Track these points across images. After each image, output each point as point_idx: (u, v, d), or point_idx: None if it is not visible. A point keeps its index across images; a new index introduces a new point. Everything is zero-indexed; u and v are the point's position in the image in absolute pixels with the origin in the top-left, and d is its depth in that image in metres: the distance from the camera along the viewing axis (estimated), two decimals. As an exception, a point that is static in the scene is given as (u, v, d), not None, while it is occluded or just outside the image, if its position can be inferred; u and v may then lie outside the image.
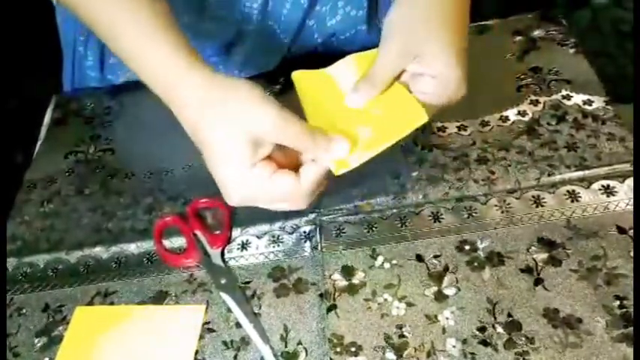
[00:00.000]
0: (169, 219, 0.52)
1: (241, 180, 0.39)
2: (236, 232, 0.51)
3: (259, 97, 0.39)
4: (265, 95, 0.39)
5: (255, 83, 0.40)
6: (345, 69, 0.46)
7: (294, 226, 0.50)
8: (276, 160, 0.40)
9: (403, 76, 0.44)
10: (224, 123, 0.38)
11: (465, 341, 0.40)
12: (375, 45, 0.45)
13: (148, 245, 0.51)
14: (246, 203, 0.41)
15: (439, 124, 0.55)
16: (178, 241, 0.51)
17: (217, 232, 0.50)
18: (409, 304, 0.43)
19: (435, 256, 0.46)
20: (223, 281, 0.47)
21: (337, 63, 0.47)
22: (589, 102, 0.54)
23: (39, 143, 0.63)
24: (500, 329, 0.40)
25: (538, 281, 0.43)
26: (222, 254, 0.49)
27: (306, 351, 0.42)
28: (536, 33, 0.62)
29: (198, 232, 0.50)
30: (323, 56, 0.63)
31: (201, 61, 0.40)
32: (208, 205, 0.52)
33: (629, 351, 0.38)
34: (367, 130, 0.42)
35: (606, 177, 0.48)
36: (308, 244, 0.48)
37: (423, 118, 0.41)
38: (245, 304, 0.45)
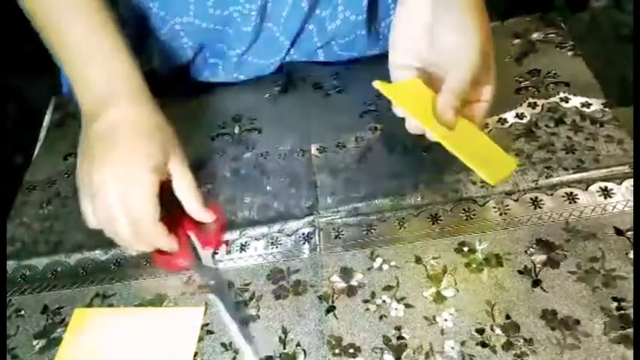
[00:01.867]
0: (163, 218, 0.51)
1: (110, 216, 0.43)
2: (235, 235, 0.51)
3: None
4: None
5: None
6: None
7: (293, 229, 0.50)
8: None
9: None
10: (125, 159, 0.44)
11: (463, 343, 0.40)
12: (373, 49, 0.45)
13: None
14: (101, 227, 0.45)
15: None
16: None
17: (210, 233, 0.50)
18: (408, 306, 0.43)
19: (434, 258, 0.46)
20: (212, 282, 0.47)
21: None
22: (587, 104, 0.54)
23: (38, 145, 0.63)
24: (498, 331, 0.41)
25: (536, 283, 0.43)
26: (214, 256, 0.49)
27: (305, 353, 0.42)
28: (535, 36, 0.62)
29: (191, 233, 0.50)
30: (322, 61, 0.64)
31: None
32: None
33: (628, 353, 0.38)
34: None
35: (604, 179, 0.48)
36: (307, 245, 0.49)
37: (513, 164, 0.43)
38: (233, 308, 0.45)
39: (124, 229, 0.43)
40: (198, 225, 0.50)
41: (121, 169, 0.43)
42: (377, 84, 0.42)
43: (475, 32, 0.41)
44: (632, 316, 0.40)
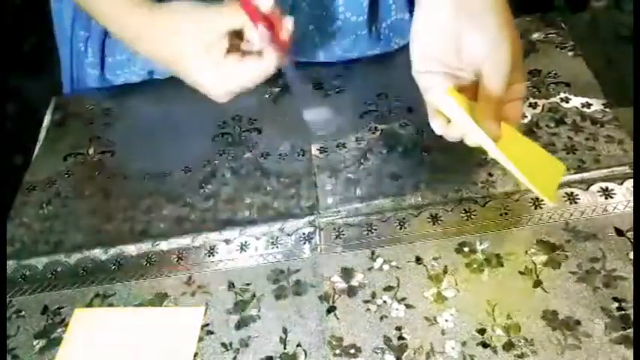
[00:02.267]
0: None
1: (220, 74, 0.47)
2: (234, 233, 0.51)
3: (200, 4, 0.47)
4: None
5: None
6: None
7: (294, 228, 0.50)
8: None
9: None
10: (183, 36, 0.46)
11: (464, 343, 0.40)
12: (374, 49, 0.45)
13: (147, 247, 0.51)
14: (230, 93, 0.50)
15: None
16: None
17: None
18: (408, 306, 0.43)
19: (434, 258, 0.46)
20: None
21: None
22: (587, 105, 0.54)
23: (38, 145, 0.63)
24: (499, 331, 0.41)
25: (537, 283, 0.43)
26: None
27: (306, 353, 0.42)
28: (536, 36, 0.62)
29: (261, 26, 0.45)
30: (323, 61, 0.64)
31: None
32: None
33: (628, 353, 0.38)
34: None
35: (605, 179, 0.48)
36: (307, 245, 0.49)
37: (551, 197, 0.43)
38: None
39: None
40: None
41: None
42: (450, 92, 0.41)
43: (502, 33, 0.40)
44: (632, 316, 0.40)
